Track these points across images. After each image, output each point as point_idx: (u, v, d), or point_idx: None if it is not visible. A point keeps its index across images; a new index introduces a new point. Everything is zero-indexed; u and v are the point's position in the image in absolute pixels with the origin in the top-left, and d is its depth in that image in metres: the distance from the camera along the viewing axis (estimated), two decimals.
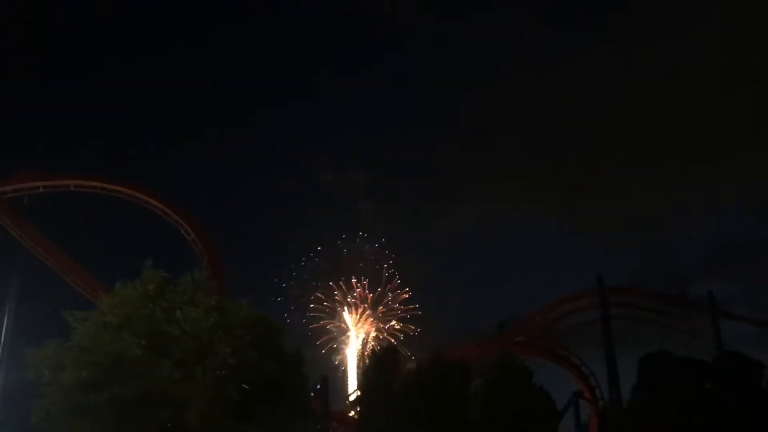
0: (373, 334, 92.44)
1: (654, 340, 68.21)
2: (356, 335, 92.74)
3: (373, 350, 67.58)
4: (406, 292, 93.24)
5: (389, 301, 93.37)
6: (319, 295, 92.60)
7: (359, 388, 59.13)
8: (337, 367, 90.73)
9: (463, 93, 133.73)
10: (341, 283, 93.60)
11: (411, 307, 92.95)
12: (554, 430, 51.30)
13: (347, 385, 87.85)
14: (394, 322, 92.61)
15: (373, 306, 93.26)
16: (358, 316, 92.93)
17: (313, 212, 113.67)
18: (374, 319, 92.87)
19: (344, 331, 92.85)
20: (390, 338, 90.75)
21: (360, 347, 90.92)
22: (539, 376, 51.62)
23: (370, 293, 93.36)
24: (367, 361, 56.16)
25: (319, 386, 59.54)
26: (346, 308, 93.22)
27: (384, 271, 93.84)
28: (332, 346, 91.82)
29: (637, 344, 65.58)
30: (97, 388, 30.38)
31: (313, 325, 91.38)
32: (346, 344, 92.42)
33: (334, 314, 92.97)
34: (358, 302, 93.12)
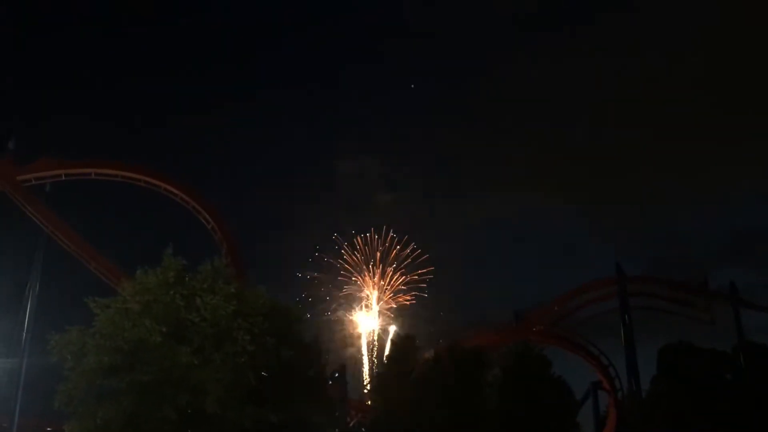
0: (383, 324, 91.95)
1: (674, 330, 67.79)
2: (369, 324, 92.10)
3: (391, 339, 67.51)
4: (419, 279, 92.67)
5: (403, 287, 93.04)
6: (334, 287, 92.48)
7: (378, 376, 59.37)
8: (354, 356, 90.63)
9: (483, 84, 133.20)
10: (355, 274, 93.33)
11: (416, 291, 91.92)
12: (572, 421, 51.18)
13: (363, 374, 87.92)
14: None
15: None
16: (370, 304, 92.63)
17: (327, 201, 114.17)
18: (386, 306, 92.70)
19: (356, 325, 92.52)
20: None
21: (373, 336, 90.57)
22: (557, 365, 51.57)
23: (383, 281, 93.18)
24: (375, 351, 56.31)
25: (337, 374, 59.83)
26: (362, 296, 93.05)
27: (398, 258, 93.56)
28: (349, 335, 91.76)
29: (657, 334, 65.22)
30: (117, 374, 30.81)
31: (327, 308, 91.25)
32: (361, 333, 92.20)
33: (349, 304, 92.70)
34: (371, 291, 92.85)
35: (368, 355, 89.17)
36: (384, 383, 51.21)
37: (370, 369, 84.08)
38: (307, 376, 36.54)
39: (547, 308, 74.53)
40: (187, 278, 33.56)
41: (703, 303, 72.20)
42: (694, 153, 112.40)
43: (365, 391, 71.49)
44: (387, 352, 66.79)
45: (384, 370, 52.95)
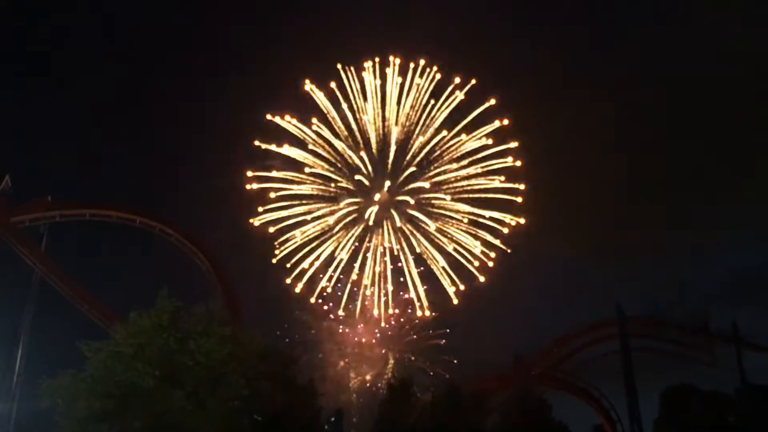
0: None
1: (675, 372, 66.94)
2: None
3: (388, 383, 65.96)
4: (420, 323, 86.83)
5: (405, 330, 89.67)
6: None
7: (375, 422, 58.33)
8: (350, 400, 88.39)
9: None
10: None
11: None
12: None
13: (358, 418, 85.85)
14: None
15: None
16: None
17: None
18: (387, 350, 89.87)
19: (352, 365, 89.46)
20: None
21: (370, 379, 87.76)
22: (558, 407, 50.80)
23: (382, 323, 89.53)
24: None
25: (333, 419, 58.82)
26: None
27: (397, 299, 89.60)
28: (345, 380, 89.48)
29: (659, 377, 64.31)
30: (109, 419, 30.27)
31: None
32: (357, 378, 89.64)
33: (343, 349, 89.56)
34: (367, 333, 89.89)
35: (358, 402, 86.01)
36: (381, 428, 50.22)
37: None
38: (301, 420, 35.89)
39: (546, 350, 73.70)
40: (181, 321, 33.12)
41: (704, 344, 71.41)
42: (693, 193, 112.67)
43: None
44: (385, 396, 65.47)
45: (381, 416, 51.93)
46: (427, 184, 71.44)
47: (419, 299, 73.52)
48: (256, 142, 71.48)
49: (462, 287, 71.09)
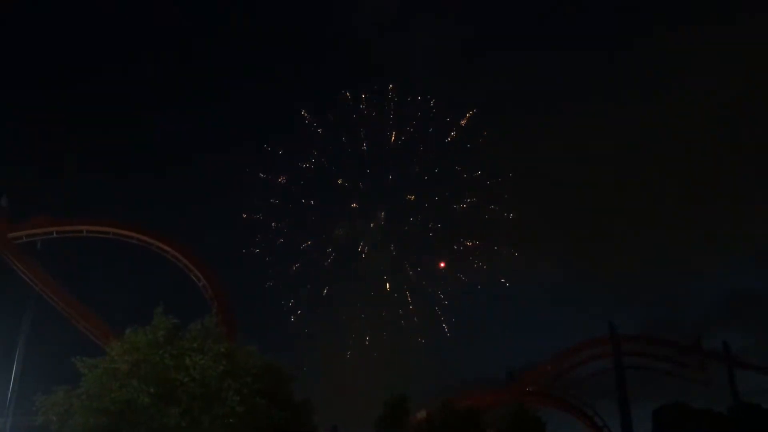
0: None
1: (668, 390, 67.18)
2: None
3: (384, 400, 65.82)
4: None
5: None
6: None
7: None
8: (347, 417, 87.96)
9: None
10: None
11: None
12: None
13: None
14: None
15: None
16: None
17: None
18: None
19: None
20: None
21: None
22: (552, 425, 50.96)
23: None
24: None
25: None
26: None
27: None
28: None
29: (652, 395, 64.57)
30: None
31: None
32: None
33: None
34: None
35: None
36: None
37: None
38: None
39: (540, 368, 73.88)
40: (176, 337, 33.23)
41: (696, 363, 71.70)
42: (689, 214, 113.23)
43: None
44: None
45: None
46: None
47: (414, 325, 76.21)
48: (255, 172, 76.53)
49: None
